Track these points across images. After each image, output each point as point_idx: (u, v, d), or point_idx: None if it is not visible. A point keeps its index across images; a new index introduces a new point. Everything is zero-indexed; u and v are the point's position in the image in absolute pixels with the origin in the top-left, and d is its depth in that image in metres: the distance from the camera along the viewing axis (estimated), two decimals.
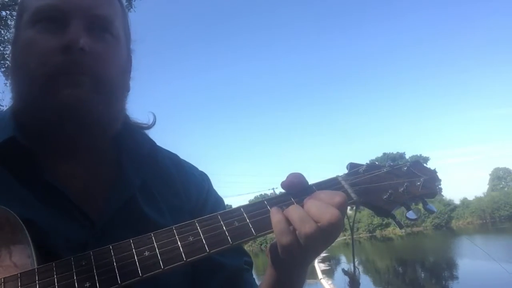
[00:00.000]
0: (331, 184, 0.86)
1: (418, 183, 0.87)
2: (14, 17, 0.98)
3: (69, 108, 0.82)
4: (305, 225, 0.74)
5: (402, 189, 0.86)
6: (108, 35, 0.91)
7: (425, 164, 0.92)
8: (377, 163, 0.91)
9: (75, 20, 0.85)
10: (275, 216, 0.77)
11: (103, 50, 0.88)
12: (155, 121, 1.05)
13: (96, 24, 0.88)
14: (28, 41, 0.85)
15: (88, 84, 0.84)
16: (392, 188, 0.86)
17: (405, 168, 0.90)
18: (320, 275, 19.56)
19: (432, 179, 0.89)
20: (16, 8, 0.99)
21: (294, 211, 0.77)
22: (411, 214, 0.84)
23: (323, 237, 0.75)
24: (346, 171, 0.90)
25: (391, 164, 0.91)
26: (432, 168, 0.94)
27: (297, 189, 0.83)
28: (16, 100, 0.91)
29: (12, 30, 0.96)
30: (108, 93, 0.88)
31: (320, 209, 0.75)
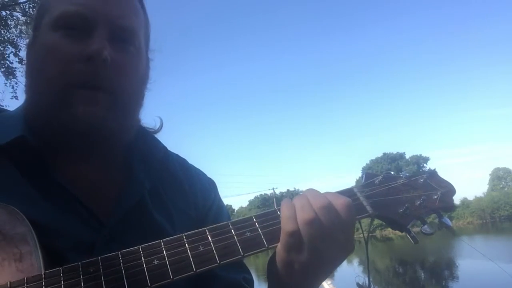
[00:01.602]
0: (346, 196, 0.83)
1: (435, 197, 0.85)
2: (36, 13, 0.94)
3: (82, 124, 0.81)
4: (304, 211, 0.76)
5: (419, 202, 0.84)
6: (131, 47, 0.89)
7: (440, 175, 0.91)
8: (392, 173, 0.89)
9: (99, 30, 0.83)
10: (285, 204, 0.79)
11: (124, 63, 0.86)
12: (161, 126, 1.04)
13: (120, 35, 0.87)
14: (49, 46, 0.83)
15: (105, 101, 0.83)
16: (409, 201, 0.84)
17: (422, 180, 0.88)
18: None
19: (449, 192, 0.87)
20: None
21: (298, 200, 0.79)
22: (426, 229, 0.82)
23: (321, 231, 0.75)
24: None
25: (407, 175, 0.89)
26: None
27: None
28: (29, 101, 0.90)
29: (29, 26, 0.94)
30: (123, 109, 0.87)
31: (322, 201, 0.76)
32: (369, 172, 0.89)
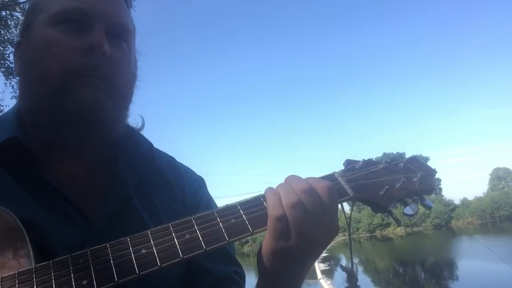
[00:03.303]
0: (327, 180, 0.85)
1: (415, 179, 0.86)
2: (25, 15, 0.96)
3: (84, 107, 0.82)
4: (288, 196, 0.77)
5: (398, 184, 0.85)
6: (124, 44, 0.92)
7: (421, 161, 0.92)
8: (374, 159, 0.91)
9: (98, 25, 0.86)
10: (270, 191, 0.81)
11: (120, 58, 0.89)
12: (143, 124, 1.05)
13: (116, 32, 0.90)
14: (48, 40, 0.85)
15: (104, 88, 0.85)
16: (389, 184, 0.85)
17: (402, 164, 0.90)
18: (319, 275, 19.54)
19: (429, 175, 0.88)
20: (22, 6, 0.98)
21: (281, 186, 0.81)
22: (408, 210, 0.83)
23: (306, 214, 0.76)
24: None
25: (388, 160, 0.91)
26: (432, 168, 0.92)
27: None
28: (24, 98, 0.90)
29: (22, 27, 0.95)
30: (120, 100, 0.90)
31: (304, 185, 0.78)
32: (350, 159, 0.90)
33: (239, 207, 0.80)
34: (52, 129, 0.85)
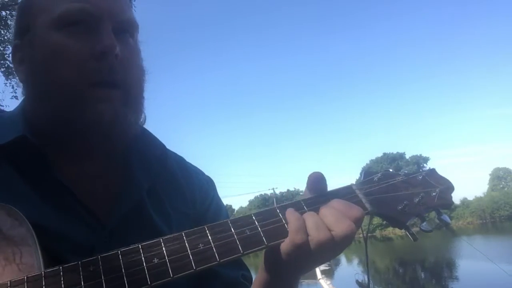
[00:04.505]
0: (345, 193, 0.84)
1: (434, 194, 0.85)
2: (19, 14, 0.92)
3: (100, 124, 0.81)
4: (319, 232, 0.74)
5: (417, 199, 0.84)
6: (131, 39, 0.90)
7: (439, 173, 0.91)
8: (391, 170, 0.89)
9: (105, 25, 0.83)
10: (293, 214, 0.77)
11: (130, 56, 0.87)
12: (145, 121, 1.01)
13: (122, 29, 0.87)
14: (57, 47, 0.82)
15: (120, 97, 0.83)
16: (408, 198, 0.84)
17: (420, 177, 0.88)
18: (319, 275, 19.50)
19: (447, 189, 0.87)
20: (22, 5, 0.94)
21: (310, 217, 0.77)
22: (425, 226, 0.82)
23: (333, 247, 0.75)
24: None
25: (406, 172, 0.89)
26: (450, 182, 0.91)
27: (318, 188, 0.83)
28: (33, 106, 0.88)
29: (18, 28, 0.92)
30: (135, 102, 0.88)
31: (337, 219, 0.75)
32: (368, 170, 0.89)
33: (254, 218, 0.78)
34: (66, 139, 0.84)
